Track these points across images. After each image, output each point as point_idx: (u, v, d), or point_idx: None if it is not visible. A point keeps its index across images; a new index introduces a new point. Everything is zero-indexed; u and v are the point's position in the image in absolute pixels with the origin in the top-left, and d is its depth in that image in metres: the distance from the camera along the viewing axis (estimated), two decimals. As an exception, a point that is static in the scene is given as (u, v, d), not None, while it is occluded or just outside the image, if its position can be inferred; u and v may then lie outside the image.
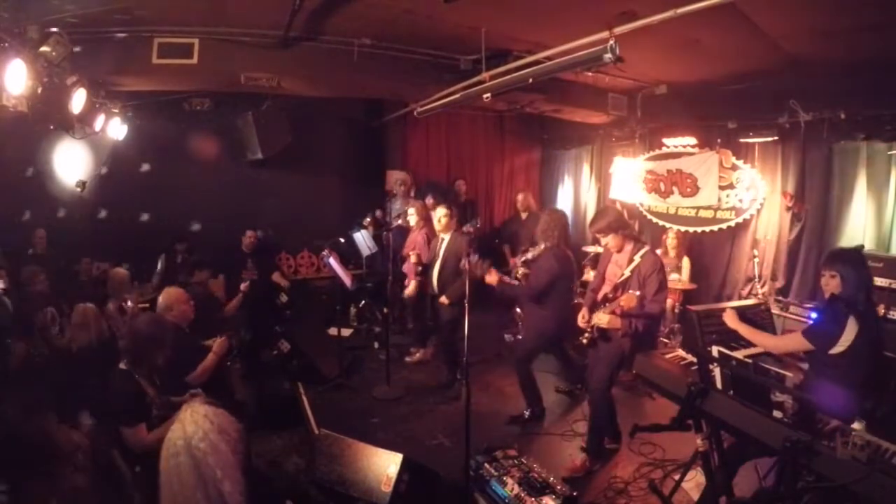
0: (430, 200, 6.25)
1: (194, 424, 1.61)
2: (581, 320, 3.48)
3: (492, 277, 4.08)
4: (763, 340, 2.79)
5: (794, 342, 2.68)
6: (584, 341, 3.49)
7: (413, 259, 5.14)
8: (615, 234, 3.41)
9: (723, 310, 3.04)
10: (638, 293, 3.18)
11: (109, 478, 2.25)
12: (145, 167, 6.33)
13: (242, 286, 5.18)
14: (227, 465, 1.58)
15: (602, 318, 3.36)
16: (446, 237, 4.86)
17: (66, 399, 2.77)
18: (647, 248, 3.42)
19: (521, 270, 5.03)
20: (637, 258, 3.34)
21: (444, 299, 4.69)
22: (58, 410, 2.07)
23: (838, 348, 2.48)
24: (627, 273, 3.34)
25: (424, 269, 5.04)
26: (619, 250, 3.46)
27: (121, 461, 2.32)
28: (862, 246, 4.62)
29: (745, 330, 2.86)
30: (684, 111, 6.01)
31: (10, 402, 1.87)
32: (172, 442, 1.60)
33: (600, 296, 3.51)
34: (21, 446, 1.73)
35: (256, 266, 5.89)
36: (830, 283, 2.64)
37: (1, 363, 3.56)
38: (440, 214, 4.85)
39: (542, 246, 4.07)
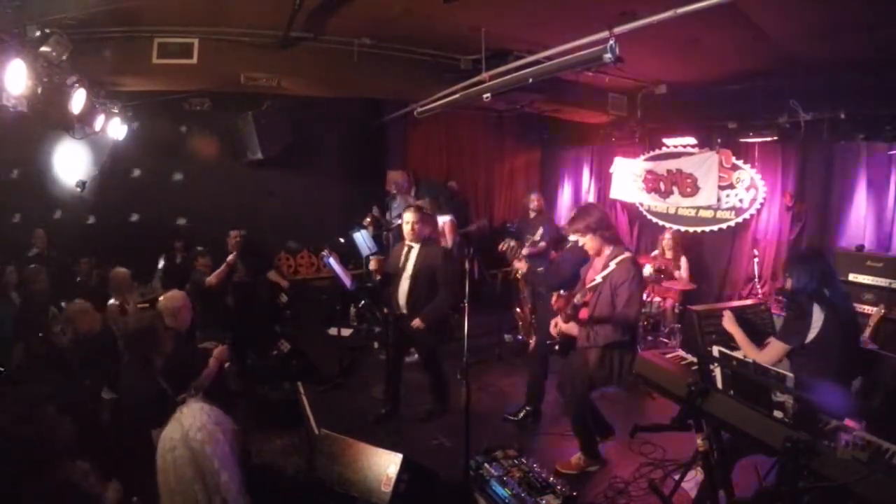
0: (430, 201, 6.24)
1: (191, 417, 1.60)
2: (552, 327, 3.36)
3: (521, 264, 4.12)
4: (751, 352, 2.76)
5: (777, 350, 2.71)
6: (556, 348, 3.40)
7: (372, 265, 4.30)
8: (594, 235, 3.22)
9: (723, 310, 3.04)
10: (561, 293, 3.18)
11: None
12: (136, 172, 6.37)
13: (229, 258, 5.29)
14: (225, 455, 1.57)
15: (561, 325, 3.25)
16: (416, 246, 4.12)
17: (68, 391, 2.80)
18: (625, 254, 3.20)
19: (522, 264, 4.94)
20: (612, 265, 3.12)
21: (417, 322, 3.98)
22: (62, 400, 2.06)
23: (809, 335, 2.59)
24: (599, 280, 3.13)
25: (384, 281, 4.26)
26: (598, 254, 3.29)
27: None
28: (862, 246, 4.65)
29: (739, 336, 2.85)
30: (684, 111, 6.01)
31: (5, 402, 1.87)
32: (168, 437, 1.59)
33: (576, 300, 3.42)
34: (19, 445, 1.73)
35: (246, 267, 5.89)
36: (787, 285, 2.86)
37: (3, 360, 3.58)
38: (409, 220, 4.08)
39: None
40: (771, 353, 2.73)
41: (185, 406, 1.68)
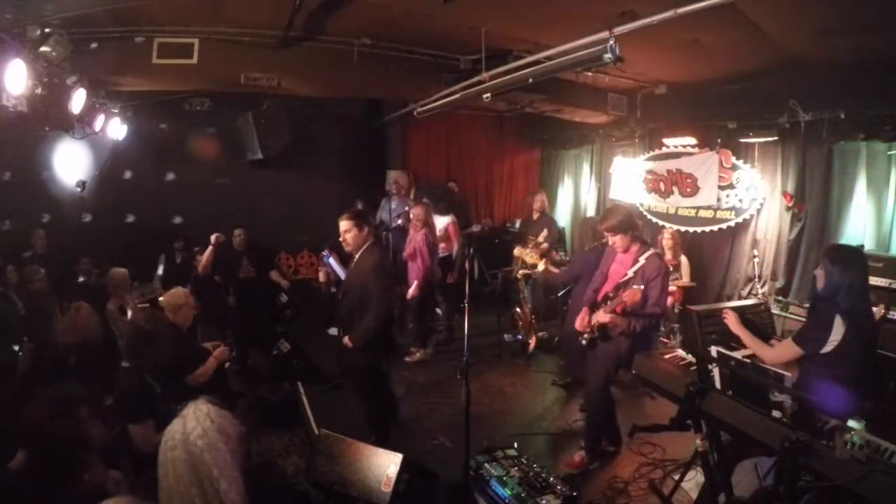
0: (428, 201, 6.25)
1: (195, 420, 1.60)
2: (580, 320, 3.46)
3: (543, 266, 4.57)
4: (760, 350, 2.76)
5: (788, 351, 2.66)
6: (584, 342, 3.47)
7: (321, 277, 4.13)
8: (624, 234, 3.40)
9: (723, 310, 3.04)
10: (641, 287, 3.17)
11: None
12: (127, 174, 6.39)
13: (213, 239, 5.27)
14: (225, 464, 1.57)
15: (603, 317, 3.35)
16: (356, 257, 3.70)
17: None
18: (652, 250, 3.42)
19: (532, 257, 5.01)
20: (642, 259, 3.34)
21: (346, 340, 3.60)
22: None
23: (827, 348, 2.50)
24: (631, 274, 3.34)
25: (335, 294, 3.94)
26: (626, 251, 3.45)
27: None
28: (862, 246, 4.65)
29: (745, 336, 2.83)
30: (684, 111, 6.00)
31: (37, 400, 1.87)
32: (171, 435, 1.60)
33: (601, 295, 3.51)
34: (55, 445, 1.75)
35: (253, 264, 5.90)
36: (818, 276, 2.67)
37: (10, 362, 3.58)
38: (341, 229, 3.66)
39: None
40: (782, 354, 2.67)
41: (193, 405, 1.67)
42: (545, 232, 5.78)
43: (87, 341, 3.59)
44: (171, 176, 6.62)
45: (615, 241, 3.44)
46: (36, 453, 1.78)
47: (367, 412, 3.75)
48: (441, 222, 6.05)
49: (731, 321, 2.90)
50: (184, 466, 1.53)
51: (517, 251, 4.94)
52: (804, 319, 4.43)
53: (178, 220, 6.58)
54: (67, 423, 1.76)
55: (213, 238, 5.29)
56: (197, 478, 1.52)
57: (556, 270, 4.73)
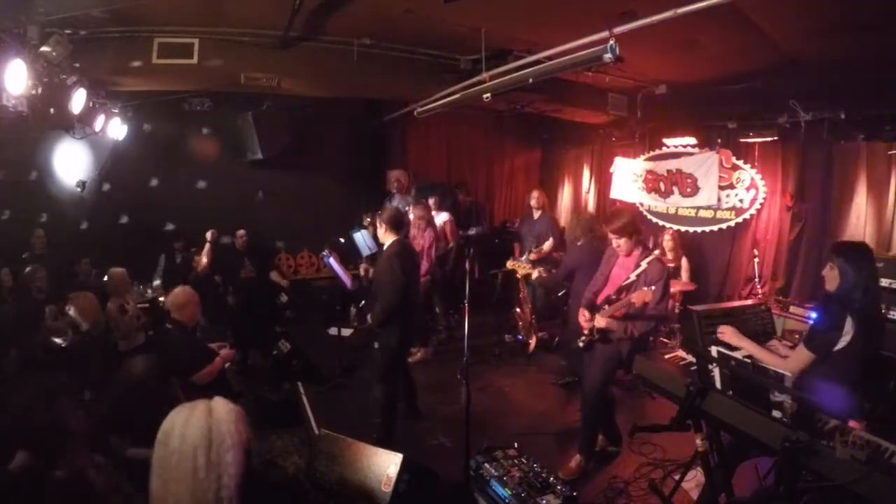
0: (432, 201, 6.25)
1: (221, 415, 1.53)
2: (583, 320, 3.46)
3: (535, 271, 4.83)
4: (773, 361, 2.60)
5: (803, 357, 2.53)
6: (582, 344, 3.47)
7: (361, 272, 4.55)
8: (629, 237, 3.38)
9: (723, 310, 3.03)
10: (653, 288, 3.15)
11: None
12: (136, 173, 6.35)
13: (209, 236, 5.37)
14: (237, 447, 1.54)
15: (601, 321, 3.35)
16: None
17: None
18: (655, 254, 3.41)
19: (525, 269, 5.11)
20: (644, 264, 3.33)
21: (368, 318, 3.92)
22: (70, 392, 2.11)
23: (837, 346, 2.46)
24: (633, 277, 3.34)
25: (368, 288, 4.18)
26: (628, 254, 3.44)
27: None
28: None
29: (752, 347, 2.66)
30: (684, 111, 6.00)
31: (27, 389, 1.91)
32: (196, 427, 1.50)
33: (601, 298, 3.50)
34: (33, 432, 1.78)
35: (255, 265, 5.92)
36: (829, 276, 2.57)
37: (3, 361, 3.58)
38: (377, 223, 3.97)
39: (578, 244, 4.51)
40: (798, 362, 2.54)
41: (214, 402, 1.63)
42: (550, 241, 5.80)
43: (90, 332, 3.56)
44: (171, 176, 6.61)
45: (620, 243, 3.41)
46: (17, 440, 1.81)
47: (377, 399, 3.80)
48: (438, 220, 6.06)
49: (731, 335, 2.69)
50: (198, 434, 1.44)
51: (510, 263, 5.13)
52: (805, 320, 4.47)
53: (177, 220, 6.56)
54: (46, 413, 1.80)
55: (208, 235, 5.31)
56: (205, 441, 1.44)
57: (546, 275, 4.86)
